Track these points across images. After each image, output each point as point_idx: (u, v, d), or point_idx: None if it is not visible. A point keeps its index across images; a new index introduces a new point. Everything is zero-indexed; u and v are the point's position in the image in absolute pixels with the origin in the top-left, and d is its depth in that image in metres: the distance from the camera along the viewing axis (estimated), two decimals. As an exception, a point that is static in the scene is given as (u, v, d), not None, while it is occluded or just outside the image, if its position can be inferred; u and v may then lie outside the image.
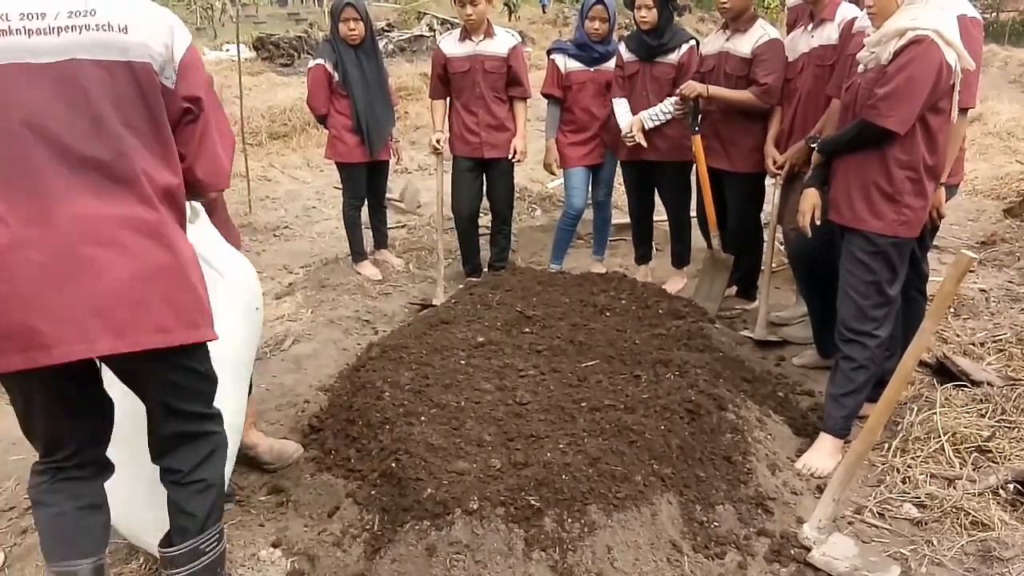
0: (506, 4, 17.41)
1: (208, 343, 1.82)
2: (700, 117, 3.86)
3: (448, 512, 2.14)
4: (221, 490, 1.97)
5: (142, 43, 1.61)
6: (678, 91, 3.86)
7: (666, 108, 4.01)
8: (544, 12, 17.56)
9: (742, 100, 3.72)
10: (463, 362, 2.94)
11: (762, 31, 3.70)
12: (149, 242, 1.62)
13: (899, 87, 2.42)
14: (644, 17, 3.93)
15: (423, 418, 2.57)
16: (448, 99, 4.44)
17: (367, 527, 2.29)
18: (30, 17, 1.52)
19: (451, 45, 4.30)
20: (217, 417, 1.97)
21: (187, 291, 1.69)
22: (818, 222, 2.81)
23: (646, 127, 4.06)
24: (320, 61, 4.27)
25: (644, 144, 4.05)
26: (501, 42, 4.25)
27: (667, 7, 3.94)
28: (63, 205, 1.54)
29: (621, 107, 4.13)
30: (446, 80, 4.34)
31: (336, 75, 4.31)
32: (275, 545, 2.34)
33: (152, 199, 1.63)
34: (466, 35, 4.24)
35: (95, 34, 1.57)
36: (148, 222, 1.62)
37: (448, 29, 14.21)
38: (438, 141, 4.34)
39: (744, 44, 3.72)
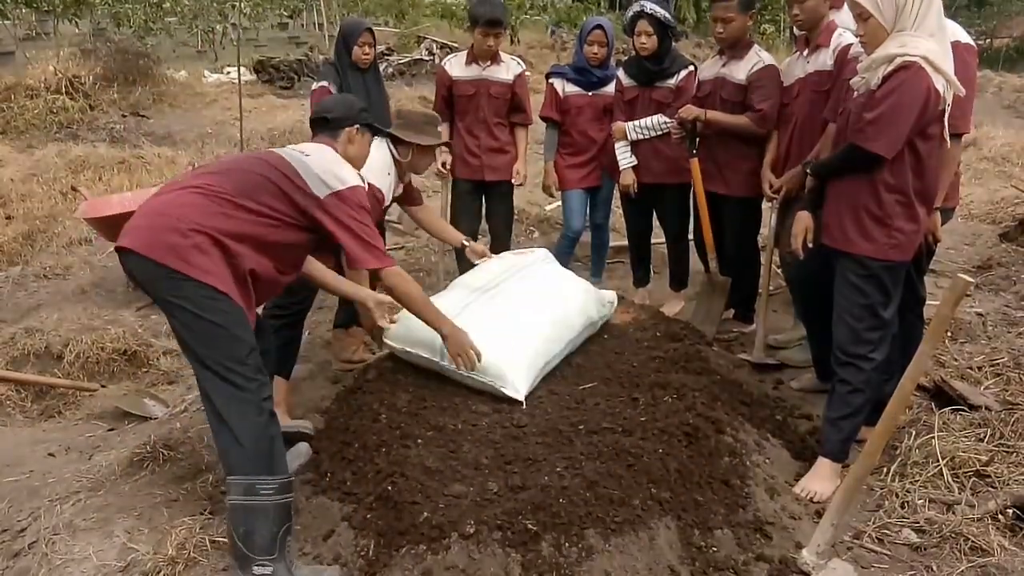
0: (512, 29, 17.52)
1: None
2: (698, 141, 3.88)
3: (444, 536, 2.13)
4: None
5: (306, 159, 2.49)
6: (676, 115, 3.89)
7: (653, 123, 4.06)
8: (552, 37, 17.67)
9: (738, 125, 3.75)
10: (460, 384, 2.93)
11: (757, 58, 3.74)
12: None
13: (886, 112, 2.44)
14: (644, 43, 3.98)
15: (420, 441, 2.56)
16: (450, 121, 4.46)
17: (362, 552, 2.27)
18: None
19: (457, 68, 4.30)
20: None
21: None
22: (811, 245, 2.83)
23: (629, 137, 4.13)
24: (324, 83, 4.27)
25: (633, 192, 4.19)
26: (507, 68, 4.27)
27: (666, 33, 3.99)
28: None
29: (622, 149, 4.17)
30: (450, 102, 4.35)
31: None
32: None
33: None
34: (473, 59, 4.26)
35: (291, 150, 2.57)
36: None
37: (448, 53, 14.30)
38: (443, 164, 4.33)
39: (739, 70, 3.76)
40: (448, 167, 4.35)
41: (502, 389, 2.75)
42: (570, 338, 3.06)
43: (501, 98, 4.27)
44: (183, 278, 2.24)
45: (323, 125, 2.75)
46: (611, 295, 3.49)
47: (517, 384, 2.75)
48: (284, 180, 2.42)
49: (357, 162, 2.79)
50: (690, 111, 3.81)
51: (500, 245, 4.60)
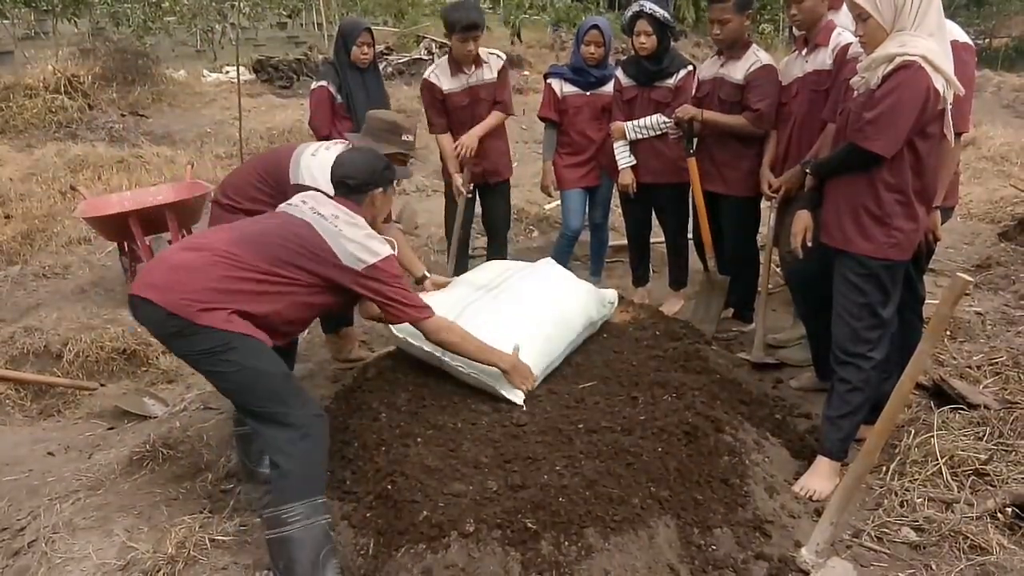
0: (512, 26, 17.47)
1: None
2: (695, 140, 3.89)
3: (444, 535, 2.13)
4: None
5: (340, 236, 2.45)
6: (673, 115, 3.90)
7: (652, 122, 4.06)
8: (553, 34, 17.65)
9: (735, 125, 3.76)
10: (460, 383, 2.93)
11: (755, 57, 3.74)
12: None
13: (886, 111, 2.44)
14: (643, 43, 3.97)
15: (419, 439, 2.56)
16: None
17: (362, 551, 2.27)
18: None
19: (445, 80, 4.17)
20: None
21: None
22: (809, 244, 2.83)
23: (628, 137, 4.13)
24: (323, 83, 4.26)
25: (632, 191, 4.18)
26: (491, 67, 4.21)
27: (665, 33, 3.99)
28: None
29: (621, 148, 4.17)
30: (444, 112, 4.24)
31: (339, 97, 4.31)
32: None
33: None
34: (457, 68, 4.15)
35: (317, 217, 2.49)
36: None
37: (447, 52, 14.25)
38: (461, 184, 4.18)
39: (737, 70, 3.76)
40: (464, 187, 4.21)
41: (502, 391, 2.75)
42: (571, 339, 3.07)
43: (492, 99, 4.23)
44: (200, 329, 2.24)
45: (345, 189, 2.64)
46: (612, 294, 3.50)
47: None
48: (316, 254, 2.42)
49: (380, 217, 2.76)
50: (687, 111, 3.81)
51: (497, 244, 4.60)
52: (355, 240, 2.46)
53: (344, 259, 2.43)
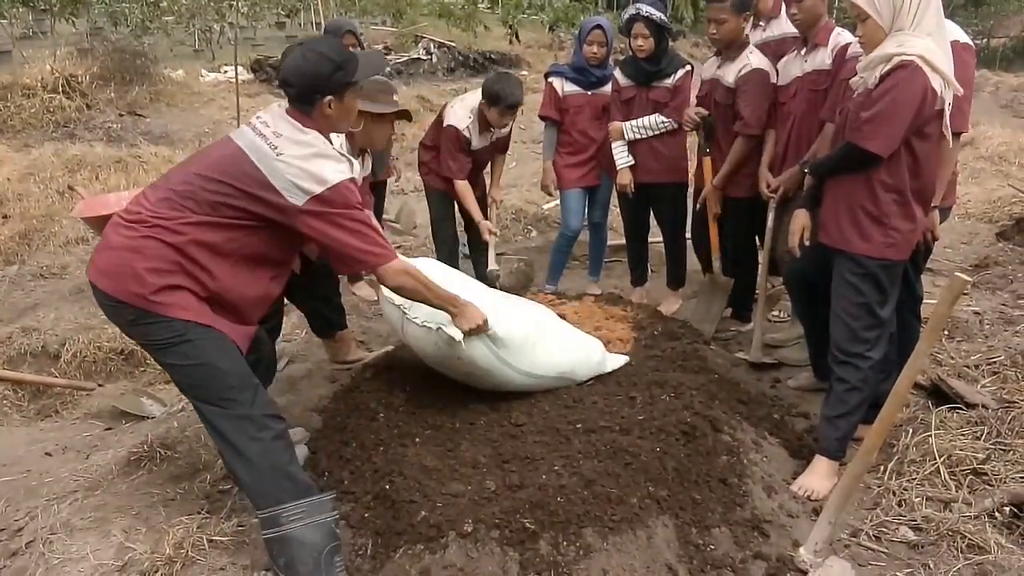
0: (509, 27, 17.47)
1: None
2: (709, 140, 3.91)
3: (442, 535, 2.13)
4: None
5: (277, 160, 2.12)
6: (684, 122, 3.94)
7: (650, 122, 4.07)
8: (552, 32, 17.67)
9: (739, 152, 3.78)
10: (457, 383, 2.93)
11: (746, 61, 3.73)
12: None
13: (882, 111, 2.45)
14: (641, 46, 3.98)
15: (417, 439, 2.56)
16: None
17: (360, 551, 2.27)
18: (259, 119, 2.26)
19: (475, 137, 4.12)
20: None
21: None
22: (807, 243, 2.83)
23: (627, 136, 4.14)
24: None
25: (630, 191, 4.18)
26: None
27: (662, 35, 3.99)
28: None
29: (619, 148, 4.17)
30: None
31: None
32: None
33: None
34: (486, 127, 4.12)
35: (256, 137, 2.17)
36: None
37: (445, 52, 14.26)
38: (490, 231, 4.20)
39: (730, 73, 3.77)
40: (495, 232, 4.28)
41: (442, 326, 2.60)
42: (546, 371, 2.87)
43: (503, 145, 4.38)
44: (158, 318, 2.14)
45: (288, 96, 2.25)
46: (618, 361, 3.15)
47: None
48: (248, 191, 2.14)
49: (341, 127, 2.39)
50: (710, 199, 3.91)
51: (480, 244, 4.57)
52: (295, 164, 2.09)
53: (284, 192, 2.09)
